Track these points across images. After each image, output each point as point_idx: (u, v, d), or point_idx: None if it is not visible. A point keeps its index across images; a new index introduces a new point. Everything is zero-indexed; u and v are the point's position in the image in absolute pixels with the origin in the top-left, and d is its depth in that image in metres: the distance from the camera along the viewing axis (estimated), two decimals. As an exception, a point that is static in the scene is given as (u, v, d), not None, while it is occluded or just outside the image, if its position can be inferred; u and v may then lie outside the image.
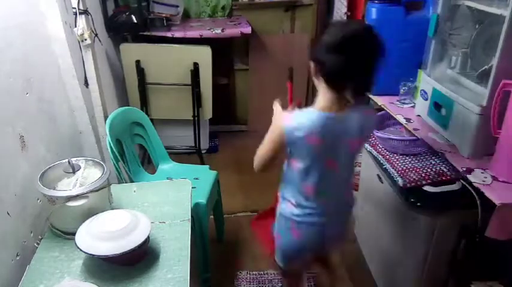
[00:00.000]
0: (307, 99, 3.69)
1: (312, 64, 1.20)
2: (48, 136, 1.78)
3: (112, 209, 1.49)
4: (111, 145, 1.83)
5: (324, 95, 1.21)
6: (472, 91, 1.38)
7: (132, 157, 2.08)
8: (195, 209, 1.86)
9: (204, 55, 2.81)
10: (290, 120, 1.21)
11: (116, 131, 1.92)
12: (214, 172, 2.23)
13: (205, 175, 2.17)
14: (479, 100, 1.27)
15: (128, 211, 1.34)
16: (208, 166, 2.34)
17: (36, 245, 1.38)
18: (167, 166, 2.29)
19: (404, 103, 1.76)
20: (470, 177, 1.27)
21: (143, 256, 1.28)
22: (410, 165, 1.61)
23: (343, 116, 1.20)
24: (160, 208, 1.53)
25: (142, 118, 2.20)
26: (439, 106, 1.47)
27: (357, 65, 1.12)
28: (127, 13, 2.67)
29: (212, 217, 2.28)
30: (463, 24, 1.44)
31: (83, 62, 2.10)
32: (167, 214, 1.50)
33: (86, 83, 2.13)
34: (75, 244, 1.21)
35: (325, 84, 1.18)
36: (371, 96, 1.88)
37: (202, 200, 1.92)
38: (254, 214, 2.69)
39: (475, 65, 1.42)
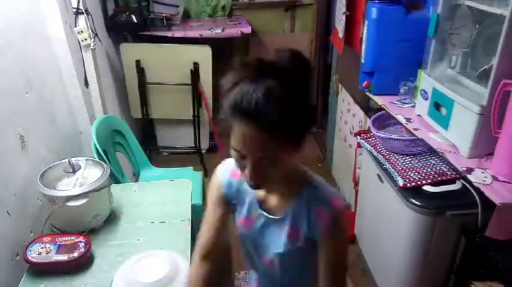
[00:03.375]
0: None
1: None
2: (48, 136, 1.78)
3: (112, 209, 1.50)
4: (100, 152, 1.80)
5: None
6: (472, 91, 1.38)
7: (116, 166, 2.04)
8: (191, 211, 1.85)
9: (204, 55, 2.80)
10: None
11: (100, 140, 1.88)
12: (199, 173, 2.22)
13: (192, 176, 2.12)
14: (480, 100, 1.26)
15: (168, 257, 1.26)
16: (191, 167, 2.32)
17: (37, 245, 1.38)
18: (149, 173, 2.26)
19: (404, 103, 1.76)
20: (470, 177, 1.27)
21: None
22: (410, 165, 1.61)
23: None
24: (160, 208, 1.53)
25: (121, 126, 2.17)
26: (439, 106, 1.47)
27: None
28: (127, 13, 2.67)
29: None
30: (463, 24, 1.43)
31: (83, 62, 2.10)
32: (167, 214, 1.50)
33: (86, 83, 2.13)
34: None
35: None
36: (371, 96, 1.88)
37: (198, 201, 1.91)
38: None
39: (475, 65, 1.41)
